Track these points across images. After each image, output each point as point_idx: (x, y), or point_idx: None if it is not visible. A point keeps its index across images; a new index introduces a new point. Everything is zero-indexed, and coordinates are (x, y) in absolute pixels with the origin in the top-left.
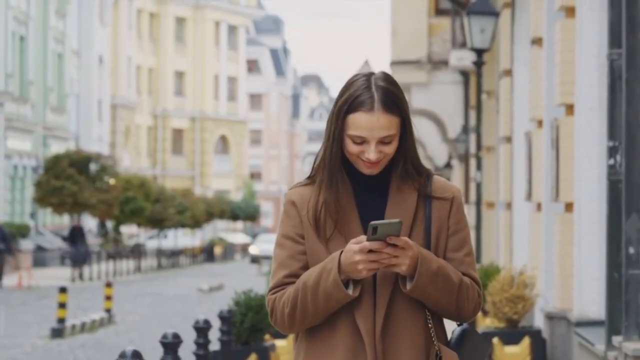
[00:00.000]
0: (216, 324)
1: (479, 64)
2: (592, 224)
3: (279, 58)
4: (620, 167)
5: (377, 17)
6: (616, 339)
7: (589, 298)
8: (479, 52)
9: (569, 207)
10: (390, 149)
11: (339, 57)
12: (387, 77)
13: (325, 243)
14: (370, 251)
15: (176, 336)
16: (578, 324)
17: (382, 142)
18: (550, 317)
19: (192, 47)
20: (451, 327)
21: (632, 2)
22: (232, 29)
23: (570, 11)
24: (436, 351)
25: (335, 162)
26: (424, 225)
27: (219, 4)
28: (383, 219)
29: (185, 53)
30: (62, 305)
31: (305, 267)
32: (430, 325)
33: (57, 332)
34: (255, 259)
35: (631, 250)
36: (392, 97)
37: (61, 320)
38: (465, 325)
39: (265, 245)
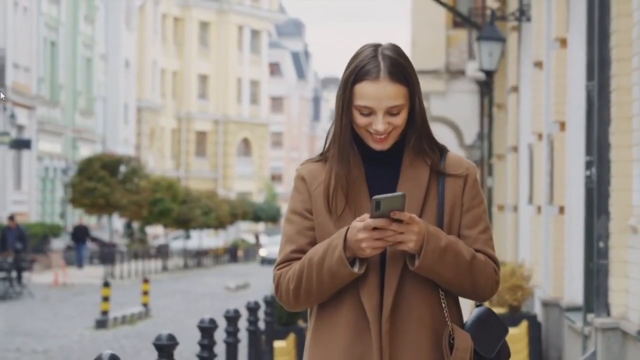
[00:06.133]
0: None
1: (488, 83)
2: (579, 225)
3: (300, 61)
4: (594, 178)
5: (396, 19)
6: (590, 316)
7: (577, 287)
8: (488, 73)
9: (561, 209)
10: (399, 121)
11: None
12: (394, 48)
13: (334, 218)
14: (375, 229)
15: (236, 311)
16: (567, 309)
17: (390, 113)
18: (545, 304)
19: (215, 51)
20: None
21: (602, 44)
22: (254, 33)
23: (563, 42)
24: (449, 332)
25: (345, 135)
26: (437, 202)
27: (242, 8)
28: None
29: (208, 57)
30: (105, 299)
31: (313, 243)
32: (444, 305)
33: (101, 324)
34: (264, 261)
35: (601, 244)
36: (399, 67)
37: (104, 313)
38: (482, 307)
39: (276, 247)
